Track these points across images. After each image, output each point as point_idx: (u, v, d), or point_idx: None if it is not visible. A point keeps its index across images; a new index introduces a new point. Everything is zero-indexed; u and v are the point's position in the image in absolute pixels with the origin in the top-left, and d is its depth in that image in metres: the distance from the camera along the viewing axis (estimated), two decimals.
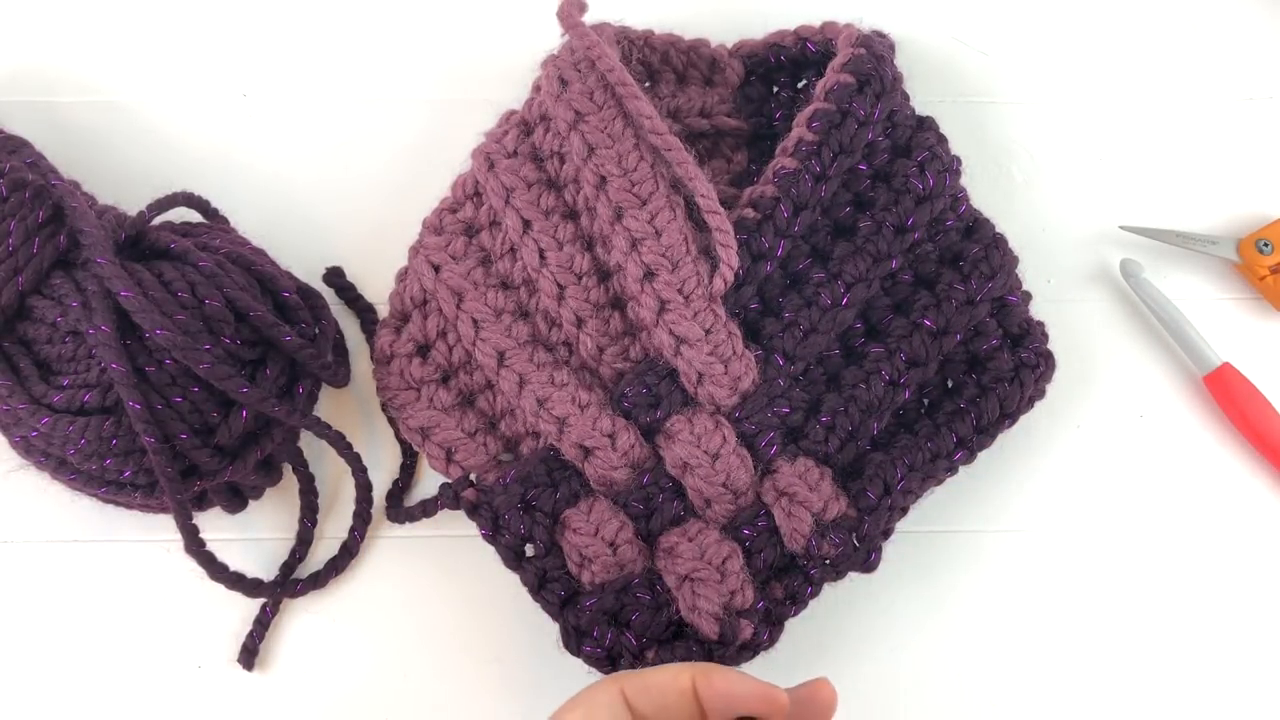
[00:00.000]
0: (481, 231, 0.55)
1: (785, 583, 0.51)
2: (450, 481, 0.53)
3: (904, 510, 0.53)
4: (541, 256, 0.53)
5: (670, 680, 0.44)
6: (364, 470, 0.54)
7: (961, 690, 0.54)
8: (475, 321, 0.53)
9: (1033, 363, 0.53)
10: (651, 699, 0.44)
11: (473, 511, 0.52)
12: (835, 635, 0.55)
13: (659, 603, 0.51)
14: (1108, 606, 0.55)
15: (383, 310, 0.57)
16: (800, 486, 0.51)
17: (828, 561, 0.51)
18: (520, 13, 0.61)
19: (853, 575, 0.52)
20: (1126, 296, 0.58)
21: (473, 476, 0.53)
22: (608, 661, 0.50)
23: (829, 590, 0.52)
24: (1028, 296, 0.55)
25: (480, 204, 0.54)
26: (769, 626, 0.51)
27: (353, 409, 0.57)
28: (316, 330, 0.53)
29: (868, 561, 0.51)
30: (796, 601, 0.51)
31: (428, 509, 0.53)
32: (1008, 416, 0.53)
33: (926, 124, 0.55)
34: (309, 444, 0.55)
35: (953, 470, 0.54)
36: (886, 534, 0.53)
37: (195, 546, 0.52)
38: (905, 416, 0.54)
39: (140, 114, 0.60)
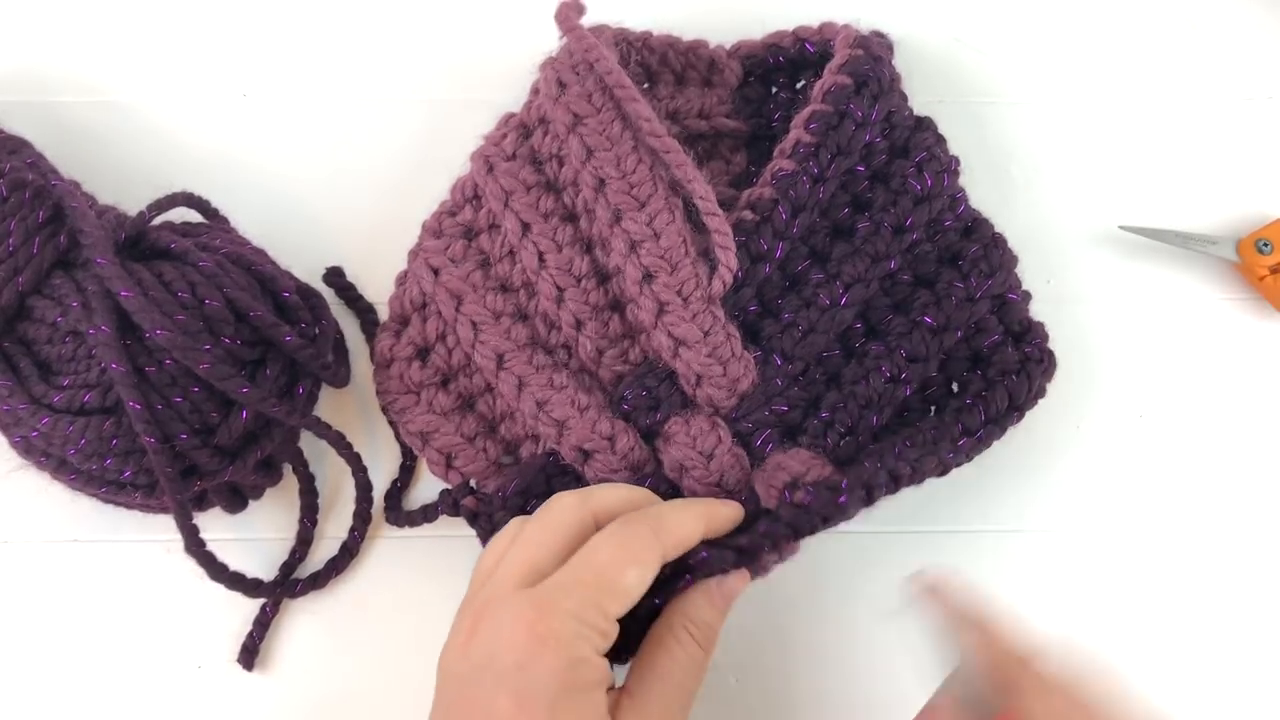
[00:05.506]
0: (480, 234, 0.54)
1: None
2: (450, 489, 0.53)
3: (895, 479, 0.47)
4: (540, 259, 0.53)
5: (689, 536, 0.45)
6: (364, 470, 0.54)
7: None
8: (474, 324, 0.53)
9: (1037, 356, 0.53)
10: (669, 547, 0.44)
11: (473, 520, 0.52)
12: (835, 634, 0.55)
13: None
14: (1108, 606, 0.55)
15: (383, 310, 0.57)
16: (785, 459, 0.49)
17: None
18: (520, 13, 0.61)
19: (853, 575, 0.52)
20: (1126, 296, 0.58)
21: (473, 483, 0.53)
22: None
23: (829, 590, 0.52)
24: (1027, 296, 0.55)
25: (479, 207, 0.54)
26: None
27: (353, 409, 0.57)
28: (316, 330, 0.53)
29: (837, 504, 0.45)
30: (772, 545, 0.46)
31: (428, 515, 0.53)
32: (1016, 409, 0.52)
33: (925, 124, 0.55)
34: (309, 444, 0.55)
35: (956, 455, 0.51)
36: (870, 498, 0.47)
37: (195, 546, 0.52)
38: (909, 419, 0.53)
39: (140, 114, 0.60)
